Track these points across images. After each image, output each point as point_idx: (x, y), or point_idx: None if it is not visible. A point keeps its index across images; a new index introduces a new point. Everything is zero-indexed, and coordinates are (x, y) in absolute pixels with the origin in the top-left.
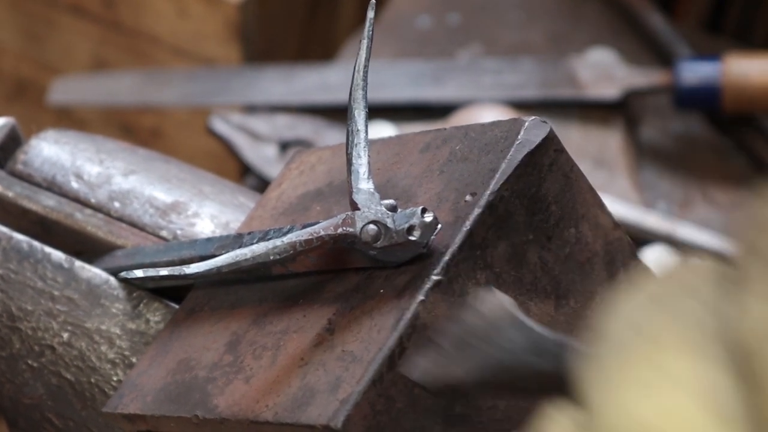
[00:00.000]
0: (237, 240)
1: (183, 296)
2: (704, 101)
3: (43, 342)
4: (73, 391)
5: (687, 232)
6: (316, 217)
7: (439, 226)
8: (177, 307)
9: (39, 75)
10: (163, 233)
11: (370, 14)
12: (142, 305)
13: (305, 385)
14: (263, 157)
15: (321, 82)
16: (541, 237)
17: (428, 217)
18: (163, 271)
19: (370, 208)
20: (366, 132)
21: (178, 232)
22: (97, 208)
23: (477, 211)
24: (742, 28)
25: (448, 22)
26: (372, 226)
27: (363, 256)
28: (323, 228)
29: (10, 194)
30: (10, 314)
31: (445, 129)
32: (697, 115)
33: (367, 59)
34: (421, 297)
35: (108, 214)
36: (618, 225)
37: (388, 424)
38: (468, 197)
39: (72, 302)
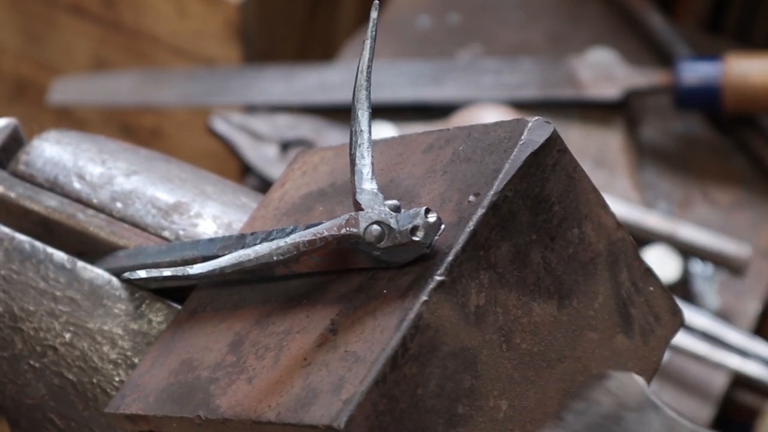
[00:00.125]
0: (240, 240)
1: (185, 297)
2: (704, 101)
3: (45, 342)
4: (75, 391)
5: (687, 232)
6: (319, 218)
7: (443, 226)
8: (179, 307)
9: (39, 75)
10: (166, 234)
11: (374, 14)
12: (144, 306)
13: (308, 386)
14: (264, 156)
15: (321, 82)
16: (544, 237)
17: (432, 218)
18: (166, 272)
19: (374, 208)
20: (369, 132)
21: (181, 232)
22: (99, 209)
23: (480, 211)
24: (742, 28)
25: (448, 22)
26: (375, 227)
27: (366, 257)
28: (327, 228)
29: (13, 195)
30: (12, 315)
31: (448, 129)
32: (697, 115)
33: (371, 60)
34: (424, 297)
35: (110, 214)
36: (621, 225)
37: (391, 425)
38: (471, 198)
39: (74, 303)
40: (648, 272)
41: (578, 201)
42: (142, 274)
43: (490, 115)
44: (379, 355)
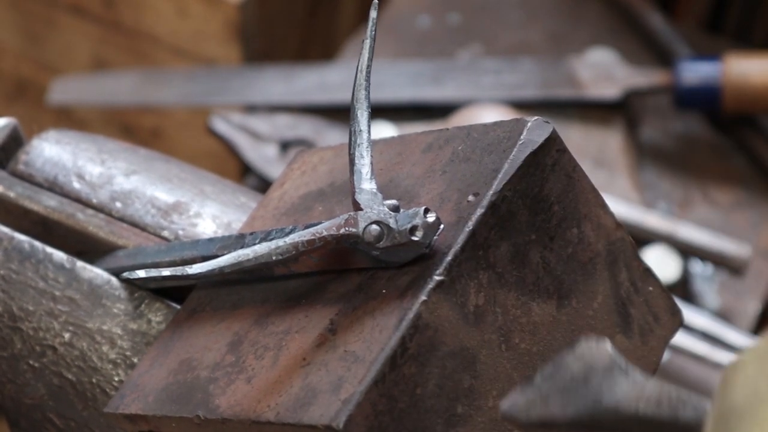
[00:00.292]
0: (239, 240)
1: (184, 296)
2: (704, 101)
3: (44, 342)
4: (74, 391)
5: (687, 232)
6: (319, 218)
7: (442, 226)
8: (179, 307)
9: (39, 75)
10: (165, 233)
11: (373, 14)
12: (143, 305)
13: (307, 386)
14: (264, 156)
15: (321, 82)
16: (543, 237)
17: (431, 218)
18: (166, 272)
19: (373, 208)
20: (369, 132)
21: (180, 232)
22: (98, 209)
23: (479, 211)
24: (742, 28)
25: (448, 22)
26: (375, 227)
27: (365, 257)
28: (326, 228)
29: (12, 194)
30: (12, 314)
31: (447, 129)
32: (697, 115)
33: (370, 59)
34: (423, 297)
35: (109, 214)
36: (620, 225)
37: (390, 424)
38: (470, 197)
39: (73, 302)
40: (647, 272)
41: (577, 201)
42: (141, 273)
43: (490, 115)
44: (378, 355)
